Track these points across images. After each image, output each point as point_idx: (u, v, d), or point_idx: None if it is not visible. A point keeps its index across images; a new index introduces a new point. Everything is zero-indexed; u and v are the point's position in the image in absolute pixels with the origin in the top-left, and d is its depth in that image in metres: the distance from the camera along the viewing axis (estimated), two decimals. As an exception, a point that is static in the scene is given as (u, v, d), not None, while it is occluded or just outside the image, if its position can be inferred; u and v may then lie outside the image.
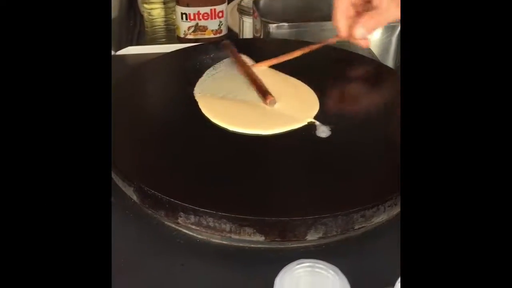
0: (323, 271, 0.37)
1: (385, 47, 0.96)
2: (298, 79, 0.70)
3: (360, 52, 0.81)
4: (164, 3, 1.02)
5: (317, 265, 0.37)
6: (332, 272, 0.36)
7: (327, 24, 0.91)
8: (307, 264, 0.37)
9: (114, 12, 1.07)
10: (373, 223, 0.51)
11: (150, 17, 1.00)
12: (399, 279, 0.36)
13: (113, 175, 0.54)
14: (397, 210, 0.52)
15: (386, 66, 0.81)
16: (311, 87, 0.68)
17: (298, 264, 0.37)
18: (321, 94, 0.67)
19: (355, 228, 0.50)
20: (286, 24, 0.88)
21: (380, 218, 0.51)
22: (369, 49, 0.91)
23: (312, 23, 0.89)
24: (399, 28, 0.94)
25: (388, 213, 0.51)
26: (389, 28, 0.94)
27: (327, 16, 0.97)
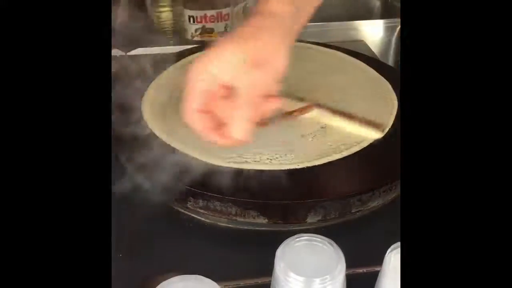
0: (319, 244, 0.40)
1: (385, 47, 1.00)
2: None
3: (362, 51, 0.84)
4: (173, 6, 1.06)
5: (314, 238, 0.40)
6: (328, 244, 0.40)
7: (327, 25, 0.95)
8: (305, 237, 0.41)
9: (124, 16, 1.11)
10: (369, 207, 0.54)
11: (159, 19, 1.04)
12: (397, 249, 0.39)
13: (125, 163, 0.58)
14: (392, 195, 0.55)
15: (386, 64, 0.84)
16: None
17: (297, 237, 0.41)
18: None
19: (353, 211, 0.53)
20: (288, 25, 0.92)
21: (376, 202, 0.54)
22: (370, 48, 0.95)
23: (312, 24, 0.92)
24: (398, 28, 0.98)
25: (383, 198, 0.55)
26: (389, 28, 0.98)
27: (328, 17, 1.01)
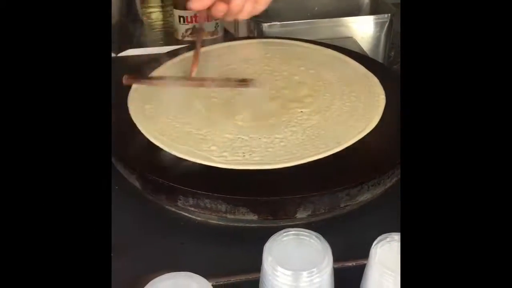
0: (306, 238, 0.41)
1: (375, 43, 1.00)
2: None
3: (351, 48, 0.85)
4: (162, 6, 1.06)
5: (301, 232, 0.41)
6: (315, 238, 0.40)
7: (316, 22, 0.95)
8: (293, 232, 0.41)
9: (115, 17, 1.11)
10: (358, 201, 0.55)
11: (149, 20, 1.04)
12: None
13: (117, 164, 0.58)
14: (381, 189, 0.56)
15: (375, 60, 0.85)
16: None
17: (285, 232, 0.41)
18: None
19: (341, 206, 0.54)
20: (278, 23, 0.92)
21: (364, 196, 0.55)
22: (359, 45, 0.96)
23: (302, 21, 0.93)
24: (387, 24, 0.98)
25: (372, 192, 0.55)
26: (378, 24, 0.99)
27: (317, 15, 1.01)
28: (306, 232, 0.41)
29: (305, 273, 0.38)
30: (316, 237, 0.41)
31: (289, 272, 0.38)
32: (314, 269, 0.38)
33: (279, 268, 0.39)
